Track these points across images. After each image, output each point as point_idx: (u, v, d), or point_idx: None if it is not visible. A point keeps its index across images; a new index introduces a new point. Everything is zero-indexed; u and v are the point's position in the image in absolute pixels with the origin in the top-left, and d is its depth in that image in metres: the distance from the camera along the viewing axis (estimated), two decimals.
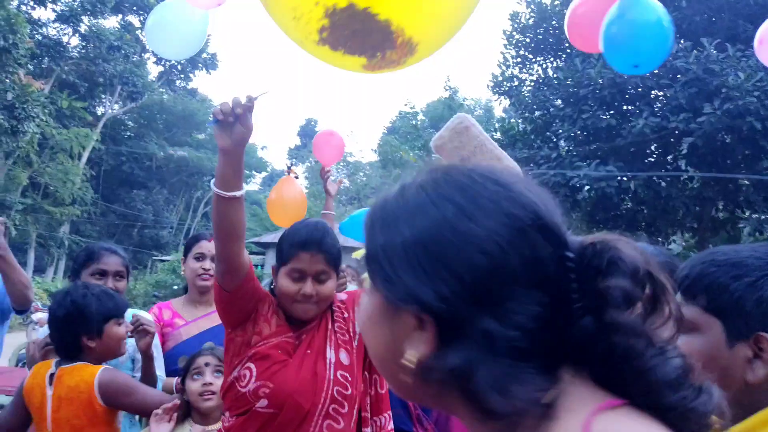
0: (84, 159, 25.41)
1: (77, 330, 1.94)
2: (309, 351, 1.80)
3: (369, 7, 1.65)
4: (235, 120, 1.60)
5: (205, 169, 33.05)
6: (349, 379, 1.80)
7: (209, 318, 2.58)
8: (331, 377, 1.77)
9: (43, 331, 2.21)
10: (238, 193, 1.67)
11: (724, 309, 0.93)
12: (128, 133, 32.42)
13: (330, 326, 1.87)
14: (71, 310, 1.94)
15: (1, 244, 2.43)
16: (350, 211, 32.21)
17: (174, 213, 33.50)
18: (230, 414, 1.79)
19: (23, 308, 2.53)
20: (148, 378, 2.21)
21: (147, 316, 2.39)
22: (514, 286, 0.55)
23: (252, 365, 1.75)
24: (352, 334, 1.89)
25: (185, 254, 2.72)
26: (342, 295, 2.01)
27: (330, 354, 1.81)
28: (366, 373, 2.02)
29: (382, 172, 25.97)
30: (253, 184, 44.22)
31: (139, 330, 2.14)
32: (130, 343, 2.22)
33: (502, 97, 13.93)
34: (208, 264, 2.59)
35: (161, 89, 31.80)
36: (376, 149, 29.33)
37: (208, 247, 2.61)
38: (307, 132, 46.76)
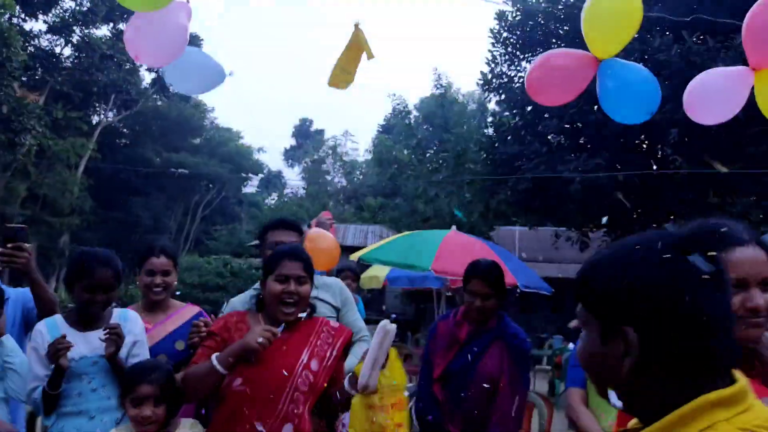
0: (81, 168, 25.56)
1: None
2: (285, 348, 2.23)
3: None
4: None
5: (202, 174, 33.23)
6: (311, 380, 2.22)
7: (170, 321, 2.93)
8: (298, 372, 2.20)
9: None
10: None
11: (594, 305, 0.94)
12: (124, 141, 32.57)
13: (314, 338, 2.30)
14: None
15: (33, 267, 2.59)
16: (348, 210, 32.40)
17: (173, 219, 33.69)
18: (210, 406, 2.31)
19: None
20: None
21: (135, 316, 2.67)
22: None
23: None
24: (330, 354, 2.30)
25: (139, 266, 2.95)
26: (334, 323, 2.45)
27: (304, 356, 2.24)
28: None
29: (377, 170, 26.20)
30: (250, 187, 44.44)
31: (110, 338, 2.36)
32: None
33: (492, 94, 14.15)
34: (158, 279, 2.87)
35: (155, 96, 31.93)
36: (370, 149, 29.55)
37: (156, 264, 2.88)
38: (302, 132, 46.89)
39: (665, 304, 0.86)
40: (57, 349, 2.27)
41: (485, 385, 2.67)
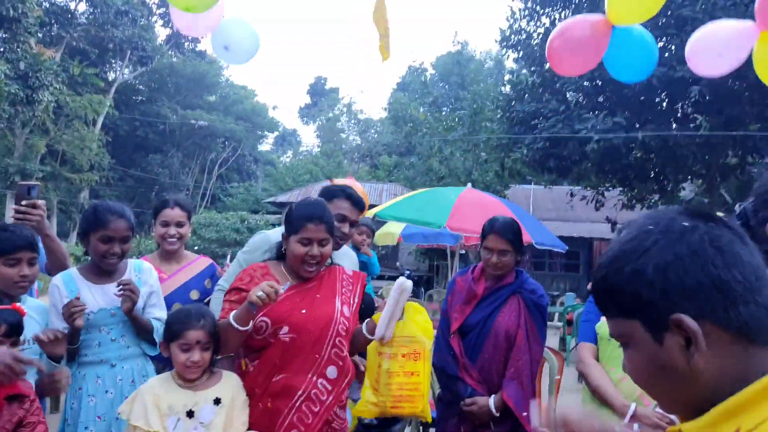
0: (99, 125, 25.72)
1: None
2: (319, 296, 2.33)
3: None
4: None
5: (218, 131, 33.27)
6: (346, 324, 2.33)
7: (185, 271, 3.05)
8: (338, 317, 2.31)
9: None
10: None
11: (630, 308, 0.84)
12: (140, 98, 32.58)
13: (339, 286, 2.41)
14: None
15: (46, 224, 2.55)
16: (363, 169, 32.33)
17: (190, 176, 33.95)
18: (250, 360, 2.29)
19: None
20: (142, 331, 2.53)
21: (149, 267, 2.72)
22: None
23: (266, 318, 2.24)
24: (354, 300, 2.43)
25: (154, 217, 3.07)
26: (349, 271, 2.53)
27: (337, 302, 2.35)
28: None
29: (393, 128, 26.02)
30: (265, 144, 44.46)
31: (125, 293, 2.40)
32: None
33: (510, 50, 13.91)
34: (173, 230, 2.98)
35: (170, 52, 31.77)
36: (386, 107, 29.27)
37: (171, 215, 2.99)
38: (317, 90, 46.52)
39: (707, 270, 0.79)
40: (71, 312, 2.30)
41: (502, 339, 2.72)
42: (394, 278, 2.54)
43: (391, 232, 9.67)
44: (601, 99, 12.10)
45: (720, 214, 0.92)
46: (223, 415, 2.12)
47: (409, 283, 2.35)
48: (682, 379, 0.81)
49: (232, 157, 35.90)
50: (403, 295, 2.32)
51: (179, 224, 3.03)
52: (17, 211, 2.48)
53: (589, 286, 7.32)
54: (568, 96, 12.59)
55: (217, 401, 2.14)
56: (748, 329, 0.79)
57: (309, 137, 43.47)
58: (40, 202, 2.52)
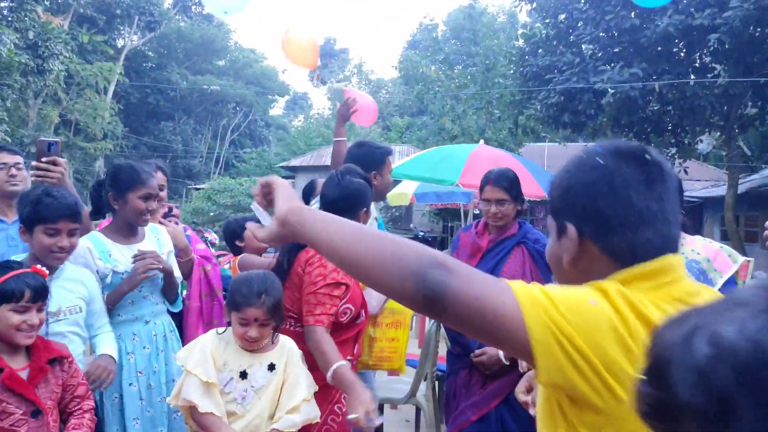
0: (110, 93, 25.70)
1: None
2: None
3: None
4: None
5: (229, 97, 33.10)
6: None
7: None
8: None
9: None
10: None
11: (552, 212, 1.07)
12: (150, 65, 32.42)
13: None
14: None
15: (68, 183, 2.47)
16: (374, 130, 32.11)
17: (203, 142, 33.97)
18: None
19: None
20: (171, 289, 2.63)
21: (163, 228, 2.76)
22: None
23: (351, 305, 2.30)
24: None
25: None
26: None
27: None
28: None
29: (404, 88, 25.70)
30: (276, 109, 44.22)
31: (145, 264, 2.44)
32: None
33: (524, 2, 13.56)
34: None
35: (177, 17, 31.43)
36: (396, 66, 28.86)
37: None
38: (327, 52, 45.90)
39: (594, 200, 0.98)
40: (148, 264, 2.40)
41: None
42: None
43: (403, 192, 9.63)
44: (617, 50, 11.81)
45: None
46: (275, 382, 2.10)
47: None
48: (564, 269, 1.03)
49: (244, 123, 35.80)
50: None
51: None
52: (37, 168, 2.38)
53: None
54: (583, 48, 12.29)
55: (271, 367, 2.12)
56: (614, 252, 0.97)
57: (320, 100, 43.10)
58: (62, 160, 2.43)
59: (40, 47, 18.58)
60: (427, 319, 6.75)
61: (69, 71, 21.30)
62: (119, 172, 2.51)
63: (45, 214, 2.12)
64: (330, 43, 46.28)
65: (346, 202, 2.32)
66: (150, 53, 32.57)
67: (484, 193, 2.82)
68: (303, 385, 2.11)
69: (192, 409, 2.03)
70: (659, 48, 11.29)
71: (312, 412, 2.11)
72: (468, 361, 2.77)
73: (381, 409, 3.83)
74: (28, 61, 17.94)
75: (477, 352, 2.73)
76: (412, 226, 19.04)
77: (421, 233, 8.81)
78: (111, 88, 25.61)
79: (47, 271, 2.01)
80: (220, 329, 2.20)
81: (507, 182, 2.78)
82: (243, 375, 2.09)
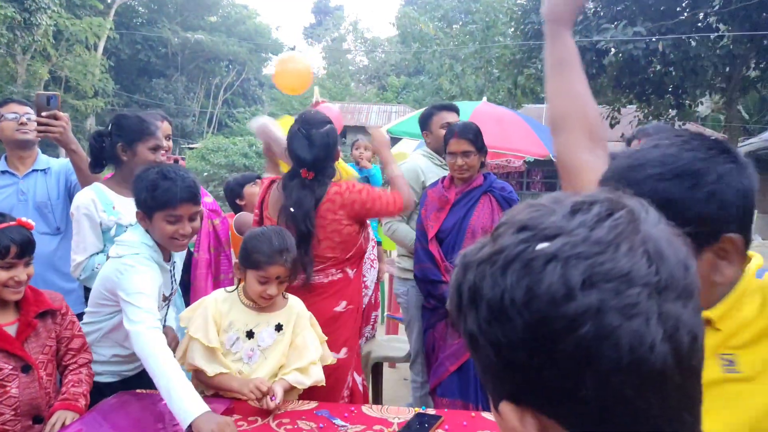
0: (100, 49, 25.15)
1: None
2: None
3: None
4: None
5: (221, 54, 32.45)
6: None
7: None
8: None
9: None
10: None
11: (690, 219, 0.85)
12: (140, 20, 31.67)
13: None
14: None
15: (72, 138, 2.46)
16: (370, 91, 31.71)
17: (195, 101, 33.46)
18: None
19: None
20: None
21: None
22: None
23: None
24: None
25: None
26: None
27: None
28: None
29: (401, 47, 25.23)
30: (270, 68, 43.42)
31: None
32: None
33: None
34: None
35: None
36: (394, 23, 28.31)
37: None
38: (321, 9, 44.92)
39: (751, 202, 0.90)
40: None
41: (480, 236, 2.73)
42: None
43: (402, 152, 9.50)
44: (620, 8, 11.55)
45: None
46: (283, 343, 2.07)
47: None
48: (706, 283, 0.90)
49: (237, 81, 35.21)
50: None
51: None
52: (39, 123, 2.36)
53: None
54: (585, 5, 12.01)
55: (278, 327, 2.09)
56: (743, 254, 0.92)
57: (314, 59, 42.38)
58: (63, 114, 2.39)
59: (26, 0, 18.04)
60: None
61: (58, 26, 20.75)
62: (127, 122, 2.42)
63: (164, 199, 1.97)
64: (324, 0, 45.27)
65: (326, 153, 2.41)
66: (140, 8, 31.78)
67: (449, 146, 2.89)
68: (311, 348, 2.09)
69: (198, 372, 2.01)
70: (663, 7, 11.05)
71: (319, 375, 2.08)
72: (444, 313, 2.83)
73: (380, 367, 3.82)
74: (14, 14, 17.44)
75: None
76: None
77: None
78: (101, 44, 25.04)
79: (33, 223, 1.89)
80: (229, 288, 2.15)
81: (472, 134, 2.86)
82: (249, 334, 2.06)
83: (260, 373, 2.02)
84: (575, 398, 0.48)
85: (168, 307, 2.23)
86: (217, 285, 2.86)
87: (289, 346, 2.09)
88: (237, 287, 2.14)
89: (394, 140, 9.07)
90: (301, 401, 2.06)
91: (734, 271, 0.91)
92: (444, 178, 3.02)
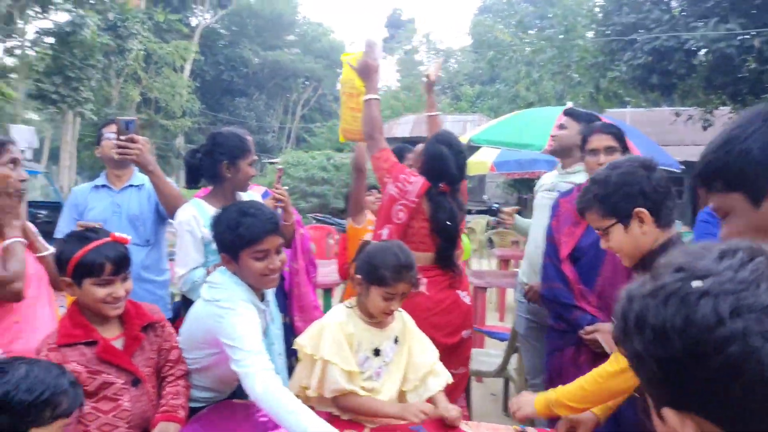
0: (187, 71, 26.47)
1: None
2: None
3: None
4: None
5: (298, 71, 33.35)
6: None
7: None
8: None
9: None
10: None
11: (735, 182, 1.04)
12: (223, 42, 33.13)
13: None
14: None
15: (149, 160, 2.57)
16: (444, 100, 31.58)
17: (274, 117, 34.52)
18: None
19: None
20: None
21: (286, 194, 2.80)
22: None
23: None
24: None
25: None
26: None
27: None
28: None
29: (474, 57, 24.99)
30: None
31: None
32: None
33: None
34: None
35: None
36: (469, 32, 28.12)
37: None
38: (393, 23, 45.38)
39: None
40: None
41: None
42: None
43: (482, 161, 9.31)
44: (710, 4, 10.91)
45: None
46: (402, 355, 2.07)
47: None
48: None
49: (314, 97, 36.04)
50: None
51: None
52: (118, 146, 2.51)
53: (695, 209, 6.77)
54: (672, 3, 11.45)
55: (396, 340, 2.09)
56: None
57: (389, 72, 42.75)
58: (140, 137, 2.53)
59: (119, 28, 19.27)
60: (509, 290, 6.53)
61: (147, 51, 22.00)
62: (227, 140, 2.51)
63: (249, 236, 1.93)
64: (396, 14, 45.69)
65: (463, 171, 2.91)
66: (222, 30, 33.25)
67: (590, 143, 2.55)
68: (428, 349, 2.13)
69: (336, 398, 1.95)
70: (757, 1, 10.34)
71: (446, 372, 2.13)
72: (575, 338, 2.50)
73: (469, 382, 3.71)
74: (109, 41, 18.65)
75: (588, 328, 2.43)
76: (485, 197, 18.66)
77: (495, 205, 8.50)
78: (187, 66, 26.35)
79: (129, 237, 1.87)
80: (348, 303, 2.10)
81: (615, 129, 2.54)
82: (377, 352, 2.03)
83: (388, 387, 2.02)
84: (726, 404, 0.61)
85: None
86: (314, 288, 2.99)
87: (408, 356, 2.09)
88: (355, 303, 2.08)
89: (472, 149, 8.91)
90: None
91: None
92: (580, 185, 2.48)
